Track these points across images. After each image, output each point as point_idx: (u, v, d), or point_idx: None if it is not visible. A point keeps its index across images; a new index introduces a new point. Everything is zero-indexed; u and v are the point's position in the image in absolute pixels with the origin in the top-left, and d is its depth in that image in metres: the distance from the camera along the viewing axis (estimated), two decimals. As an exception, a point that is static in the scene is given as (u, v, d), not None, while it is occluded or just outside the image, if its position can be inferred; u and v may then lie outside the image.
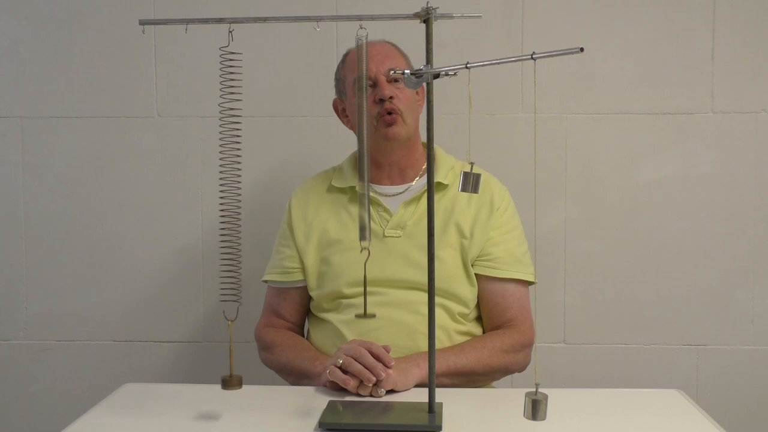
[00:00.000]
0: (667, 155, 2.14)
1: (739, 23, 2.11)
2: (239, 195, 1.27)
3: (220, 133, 1.24)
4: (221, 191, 1.25)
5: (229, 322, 1.32)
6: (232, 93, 1.23)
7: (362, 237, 1.25)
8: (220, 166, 1.25)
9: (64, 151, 2.22)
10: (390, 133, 1.67)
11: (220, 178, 1.26)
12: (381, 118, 1.66)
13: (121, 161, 2.22)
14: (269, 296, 1.81)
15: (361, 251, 1.25)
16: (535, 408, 1.10)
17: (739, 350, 2.16)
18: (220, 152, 1.25)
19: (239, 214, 1.27)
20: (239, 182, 1.26)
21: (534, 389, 1.11)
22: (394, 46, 1.75)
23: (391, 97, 1.66)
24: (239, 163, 1.26)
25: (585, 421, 1.33)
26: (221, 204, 1.26)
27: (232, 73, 1.22)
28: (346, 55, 1.78)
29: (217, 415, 1.35)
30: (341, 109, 1.80)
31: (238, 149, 1.26)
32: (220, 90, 1.23)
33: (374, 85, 1.67)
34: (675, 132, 2.14)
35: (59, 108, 2.22)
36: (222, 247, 1.26)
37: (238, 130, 1.25)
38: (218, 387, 1.33)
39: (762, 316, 2.15)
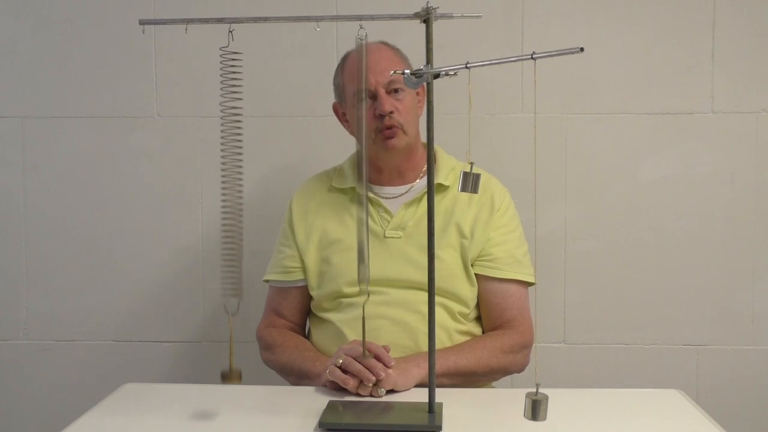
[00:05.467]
0: (667, 155, 2.14)
1: (739, 23, 2.11)
2: (241, 194, 1.27)
3: (221, 132, 1.24)
4: (223, 190, 1.25)
5: (230, 316, 1.31)
6: (234, 92, 1.23)
7: (361, 287, 1.27)
8: (222, 165, 1.25)
9: (64, 151, 2.22)
10: (389, 144, 1.67)
11: (222, 177, 1.25)
12: (380, 132, 1.66)
13: (121, 161, 2.22)
14: (270, 296, 1.81)
15: (359, 294, 1.26)
16: (536, 408, 1.11)
17: (739, 350, 2.16)
18: (221, 152, 1.25)
19: (241, 211, 1.27)
20: (241, 181, 1.26)
21: (534, 389, 1.11)
22: (393, 48, 1.73)
23: (391, 112, 1.65)
24: (240, 162, 1.26)
25: (585, 421, 1.33)
26: (223, 198, 1.25)
27: (233, 73, 1.22)
28: (345, 59, 1.76)
29: (217, 415, 1.35)
30: (341, 113, 1.79)
31: (240, 149, 1.25)
32: (221, 90, 1.23)
33: (374, 97, 1.66)
34: (675, 132, 2.13)
35: (59, 108, 2.22)
36: (223, 240, 1.26)
37: (239, 129, 1.24)
38: (218, 387, 1.33)
39: (762, 316, 2.15)
